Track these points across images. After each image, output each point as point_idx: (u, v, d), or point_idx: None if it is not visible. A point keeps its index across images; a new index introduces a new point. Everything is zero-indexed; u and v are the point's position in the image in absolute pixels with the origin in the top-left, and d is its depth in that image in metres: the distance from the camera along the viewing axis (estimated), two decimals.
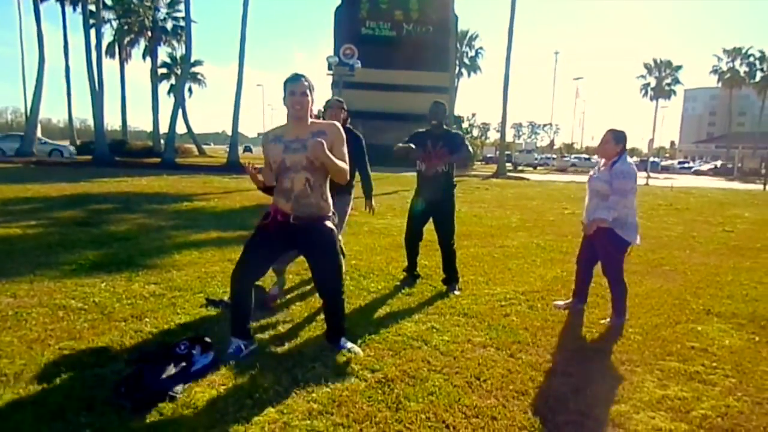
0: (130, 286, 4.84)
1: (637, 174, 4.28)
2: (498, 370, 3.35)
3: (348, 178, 3.47)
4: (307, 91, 3.26)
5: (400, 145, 5.02)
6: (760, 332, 4.24)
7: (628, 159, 4.29)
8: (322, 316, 4.20)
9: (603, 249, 4.34)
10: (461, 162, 5.19)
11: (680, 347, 3.85)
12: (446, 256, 5.21)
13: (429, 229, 5.29)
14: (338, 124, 3.49)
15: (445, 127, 5.14)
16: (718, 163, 52.26)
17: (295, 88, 3.24)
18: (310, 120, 3.34)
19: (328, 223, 3.41)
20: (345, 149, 3.38)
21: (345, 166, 3.31)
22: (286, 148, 3.27)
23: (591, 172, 4.56)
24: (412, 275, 5.45)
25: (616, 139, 4.24)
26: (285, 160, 3.26)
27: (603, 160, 4.36)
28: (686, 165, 55.76)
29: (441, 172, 5.05)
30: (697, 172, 47.62)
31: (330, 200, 3.43)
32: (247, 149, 73.72)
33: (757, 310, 4.82)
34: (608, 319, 4.34)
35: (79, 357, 3.29)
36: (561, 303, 4.75)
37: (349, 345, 3.55)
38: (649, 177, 27.60)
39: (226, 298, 4.56)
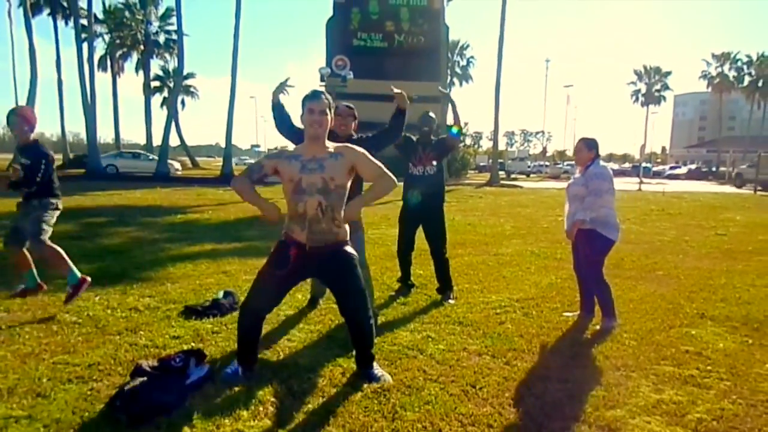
0: (125, 299, 4.82)
1: (611, 176, 4.43)
2: (494, 378, 3.35)
3: (395, 183, 3.22)
4: (327, 110, 3.11)
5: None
6: (754, 335, 4.26)
7: (601, 163, 4.45)
8: (318, 326, 4.22)
9: (585, 249, 4.41)
10: (450, 144, 5.31)
11: (675, 351, 3.86)
12: (439, 265, 5.23)
13: (422, 237, 5.30)
14: (350, 146, 3.27)
15: (432, 137, 5.25)
16: (693, 166, 52.77)
17: (314, 106, 3.08)
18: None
19: (348, 249, 3.22)
20: (372, 160, 3.20)
21: (385, 181, 3.15)
22: (303, 168, 3.10)
23: (570, 180, 4.68)
24: (406, 285, 5.47)
25: (588, 146, 4.42)
26: (302, 180, 3.09)
27: (578, 168, 4.53)
28: (678, 170, 56.17)
29: (430, 173, 5.11)
30: (670, 176, 47.85)
31: (345, 225, 3.21)
32: (242, 162, 73.72)
33: (751, 312, 4.85)
34: (599, 325, 4.37)
35: (74, 371, 3.27)
36: (570, 314, 4.74)
37: (380, 373, 3.31)
38: (641, 182, 27.74)
39: (207, 303, 4.61)
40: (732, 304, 5.14)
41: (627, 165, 65.38)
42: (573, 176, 4.65)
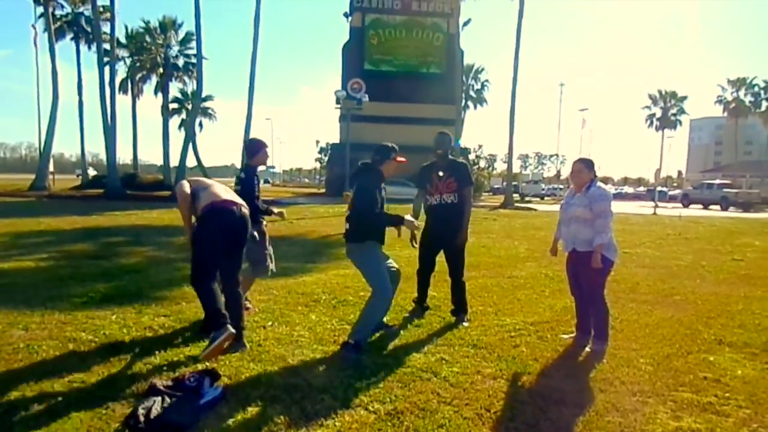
0: (140, 319, 4.87)
1: (611, 197, 4.41)
2: (508, 401, 3.33)
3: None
4: None
5: (414, 204, 5.35)
6: None
7: (599, 184, 4.45)
8: (331, 347, 4.22)
9: (592, 272, 4.34)
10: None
11: (693, 378, 3.81)
12: (456, 287, 5.21)
13: (439, 260, 5.30)
14: None
15: (450, 156, 5.23)
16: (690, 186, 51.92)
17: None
18: None
19: None
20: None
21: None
22: None
23: (563, 201, 4.68)
24: (421, 307, 5.43)
25: (587, 167, 4.44)
26: None
27: (575, 189, 4.51)
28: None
29: (450, 202, 5.07)
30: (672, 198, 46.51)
31: None
32: (267, 181, 74.69)
33: None
34: (589, 347, 4.37)
35: (90, 389, 3.31)
36: (566, 336, 4.72)
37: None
38: (656, 206, 27.49)
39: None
40: (751, 331, 5.05)
41: (642, 189, 64.47)
42: (567, 197, 4.62)
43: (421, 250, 5.32)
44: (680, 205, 33.60)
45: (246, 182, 4.89)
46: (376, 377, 3.62)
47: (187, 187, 4.21)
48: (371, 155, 4.39)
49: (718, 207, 30.98)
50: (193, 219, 4.18)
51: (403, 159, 4.38)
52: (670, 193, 45.85)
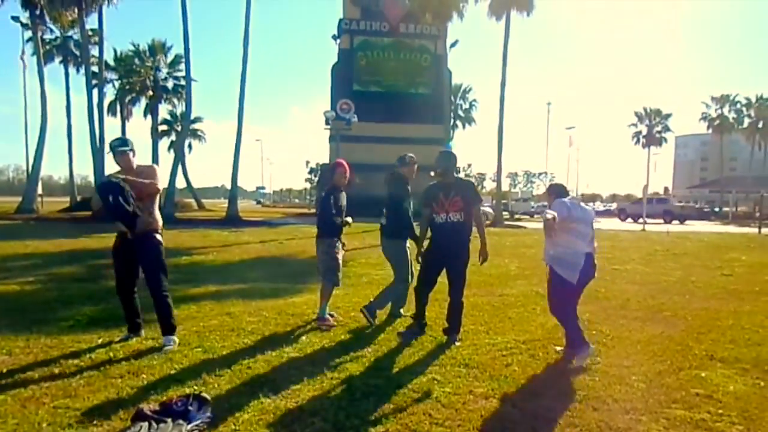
0: (127, 342, 4.79)
1: (564, 213, 4.44)
2: (500, 422, 3.30)
3: None
4: None
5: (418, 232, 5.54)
6: (765, 377, 4.19)
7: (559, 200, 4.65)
8: (323, 368, 4.17)
9: (550, 286, 4.70)
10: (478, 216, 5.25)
11: (685, 394, 3.80)
12: (454, 306, 5.18)
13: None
14: None
15: (455, 175, 5.29)
16: (696, 205, 52.99)
17: None
18: None
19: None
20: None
21: None
22: None
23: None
24: (419, 324, 5.37)
25: (548, 191, 5.00)
26: None
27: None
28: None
29: (456, 221, 5.06)
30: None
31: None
32: (258, 202, 74.94)
33: (761, 354, 4.78)
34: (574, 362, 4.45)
35: (74, 415, 3.24)
36: (559, 348, 4.75)
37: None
38: (645, 223, 27.69)
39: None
40: (741, 346, 5.06)
41: (593, 204, 63.70)
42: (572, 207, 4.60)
43: (424, 268, 5.30)
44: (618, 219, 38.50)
45: (322, 202, 5.83)
46: (368, 399, 3.58)
47: None
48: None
49: (659, 220, 34.92)
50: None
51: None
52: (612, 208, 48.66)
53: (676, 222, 34.53)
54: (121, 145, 4.71)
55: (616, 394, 3.78)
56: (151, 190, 4.72)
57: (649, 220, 32.03)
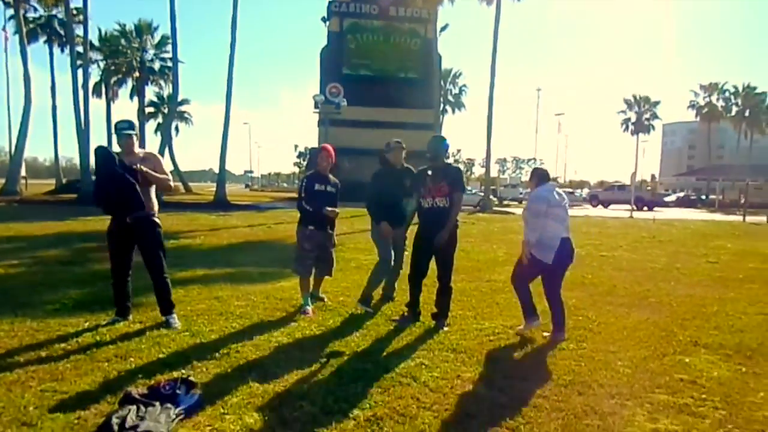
0: (114, 326, 4.76)
1: (542, 198, 4.75)
2: (488, 406, 3.32)
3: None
4: None
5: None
6: (747, 363, 4.26)
7: (540, 187, 4.91)
8: (310, 353, 4.18)
9: (525, 266, 4.87)
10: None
11: (669, 379, 3.85)
12: (443, 292, 5.20)
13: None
14: None
15: (445, 161, 5.29)
16: (682, 193, 53.82)
17: None
18: None
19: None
20: None
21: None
22: None
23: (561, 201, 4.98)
24: (413, 311, 5.35)
25: (531, 176, 5.14)
26: None
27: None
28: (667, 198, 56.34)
29: (441, 206, 5.06)
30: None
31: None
32: (247, 186, 74.46)
33: (743, 340, 4.85)
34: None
35: (61, 399, 3.22)
36: (546, 334, 4.82)
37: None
38: (633, 210, 27.92)
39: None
40: (725, 332, 5.14)
41: (581, 191, 63.18)
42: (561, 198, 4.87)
43: (414, 254, 5.31)
44: (589, 206, 40.37)
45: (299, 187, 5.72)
46: (356, 383, 3.59)
47: None
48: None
49: (627, 206, 34.69)
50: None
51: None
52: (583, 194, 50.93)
53: (646, 209, 35.72)
54: (128, 128, 4.75)
55: (602, 379, 3.83)
56: (165, 185, 4.98)
57: (618, 207, 33.92)
